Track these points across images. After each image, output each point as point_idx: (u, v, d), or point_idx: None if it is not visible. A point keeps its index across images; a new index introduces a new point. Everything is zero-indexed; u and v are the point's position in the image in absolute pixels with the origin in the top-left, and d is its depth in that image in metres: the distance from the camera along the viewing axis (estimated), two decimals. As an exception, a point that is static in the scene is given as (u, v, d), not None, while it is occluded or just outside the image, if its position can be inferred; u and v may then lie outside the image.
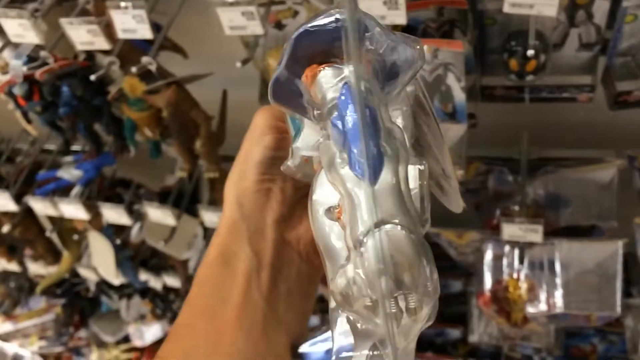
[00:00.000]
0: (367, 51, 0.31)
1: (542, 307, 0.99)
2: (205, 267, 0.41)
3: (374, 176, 0.27)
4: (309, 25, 0.32)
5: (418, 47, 0.32)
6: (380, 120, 0.28)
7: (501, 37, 0.87)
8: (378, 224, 0.26)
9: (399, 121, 0.34)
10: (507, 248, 1.03)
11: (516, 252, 1.02)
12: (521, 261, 1.02)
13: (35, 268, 1.52)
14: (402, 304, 0.27)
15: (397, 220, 0.26)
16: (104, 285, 1.55)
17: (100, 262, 1.37)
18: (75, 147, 1.29)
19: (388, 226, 0.26)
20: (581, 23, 0.83)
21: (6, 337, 1.76)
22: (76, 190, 1.23)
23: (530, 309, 1.00)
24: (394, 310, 0.27)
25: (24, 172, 1.30)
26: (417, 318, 0.27)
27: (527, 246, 1.01)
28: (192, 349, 0.38)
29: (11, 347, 1.78)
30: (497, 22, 0.86)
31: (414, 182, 0.31)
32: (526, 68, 0.83)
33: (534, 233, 0.94)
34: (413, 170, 0.31)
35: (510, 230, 0.95)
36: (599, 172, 0.99)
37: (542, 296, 1.00)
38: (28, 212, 1.31)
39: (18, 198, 1.27)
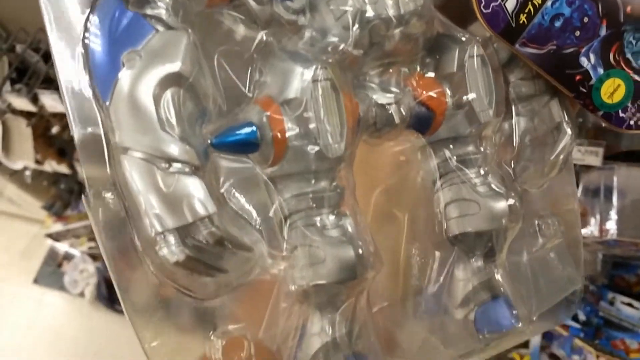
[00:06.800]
0: None
1: (595, 232, 0.96)
2: None
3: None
4: None
5: None
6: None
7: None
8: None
9: None
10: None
11: (572, 176, 0.99)
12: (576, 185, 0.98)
13: (85, 171, 1.55)
14: None
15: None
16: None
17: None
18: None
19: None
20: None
21: (57, 237, 1.83)
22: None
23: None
24: None
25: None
26: None
27: (582, 170, 0.97)
28: None
29: (62, 246, 1.86)
30: None
31: None
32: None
33: (594, 156, 0.89)
34: None
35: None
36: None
37: (594, 222, 0.96)
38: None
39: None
